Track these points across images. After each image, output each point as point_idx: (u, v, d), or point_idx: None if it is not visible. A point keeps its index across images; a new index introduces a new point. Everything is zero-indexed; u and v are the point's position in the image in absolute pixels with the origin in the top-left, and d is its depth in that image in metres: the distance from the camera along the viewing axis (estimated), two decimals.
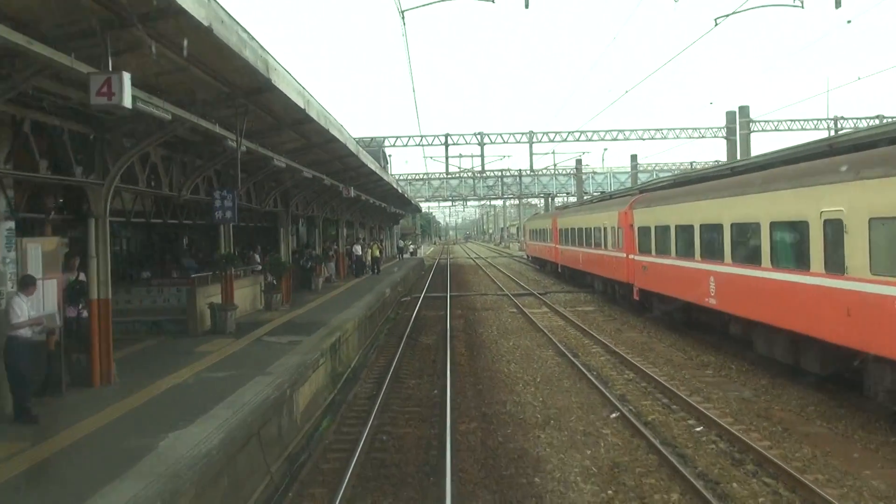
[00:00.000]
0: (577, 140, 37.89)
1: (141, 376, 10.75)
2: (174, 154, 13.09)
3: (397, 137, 37.46)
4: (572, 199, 66.06)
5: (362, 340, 18.66)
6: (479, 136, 36.46)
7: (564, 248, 35.14)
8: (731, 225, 14.52)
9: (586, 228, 29.32)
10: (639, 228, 21.45)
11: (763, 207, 13.04)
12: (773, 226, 12.70)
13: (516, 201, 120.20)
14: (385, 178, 27.18)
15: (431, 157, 39.95)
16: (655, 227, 19.78)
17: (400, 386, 14.19)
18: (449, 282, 38.87)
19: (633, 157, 53.79)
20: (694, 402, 12.00)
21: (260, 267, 21.45)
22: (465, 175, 61.01)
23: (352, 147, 17.89)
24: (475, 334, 20.81)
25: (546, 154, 41.52)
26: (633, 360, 15.94)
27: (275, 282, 20.36)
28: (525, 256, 55.06)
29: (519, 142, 37.50)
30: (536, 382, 14.01)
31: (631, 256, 22.23)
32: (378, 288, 27.47)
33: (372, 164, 23.31)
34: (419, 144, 36.93)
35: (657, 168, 57.92)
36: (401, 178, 60.74)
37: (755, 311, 13.60)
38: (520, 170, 58.27)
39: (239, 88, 9.86)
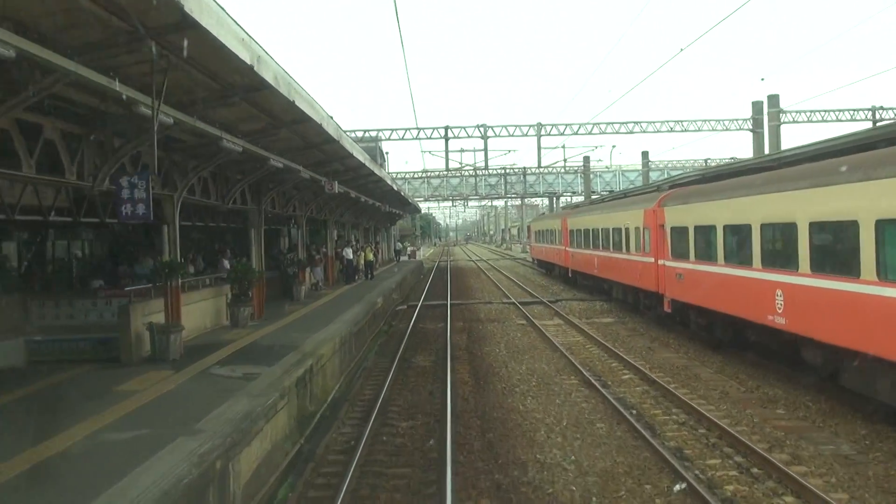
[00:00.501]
0: (590, 133, 34.75)
1: (12, 438, 7.60)
2: (88, 131, 9.94)
3: (392, 130, 34.27)
4: (578, 199, 62.96)
5: (345, 364, 15.52)
6: (481, 129, 33.25)
7: (576, 251, 31.99)
8: (811, 224, 11.37)
9: (603, 229, 26.18)
10: (672, 229, 18.30)
11: (865, 201, 9.88)
12: (882, 226, 9.54)
13: (518, 201, 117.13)
14: (377, 172, 24.10)
15: (430, 152, 36.57)
16: (695, 228, 16.63)
17: (387, 432, 11.04)
18: (449, 287, 35.75)
19: (645, 154, 50.65)
20: (780, 462, 8.85)
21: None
22: (467, 173, 57.86)
23: (332, 131, 14.75)
24: (480, 354, 17.66)
25: (555, 148, 38.08)
26: (678, 392, 12.80)
27: (249, 292, 17.21)
28: (531, 260, 51.93)
29: (526, 135, 34.32)
30: (563, 428, 10.85)
31: (661, 262, 19.07)
32: (369, 296, 24.32)
33: (361, 155, 20.16)
34: (416, 138, 33.71)
35: (669, 166, 54.76)
36: (398, 176, 57.61)
37: (849, 336, 10.44)
38: (524, 167, 55.17)
39: (144, 24, 6.70)
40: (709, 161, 53.82)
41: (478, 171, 57.43)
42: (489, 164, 33.27)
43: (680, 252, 17.66)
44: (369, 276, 32.32)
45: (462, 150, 34.64)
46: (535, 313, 25.66)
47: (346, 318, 18.34)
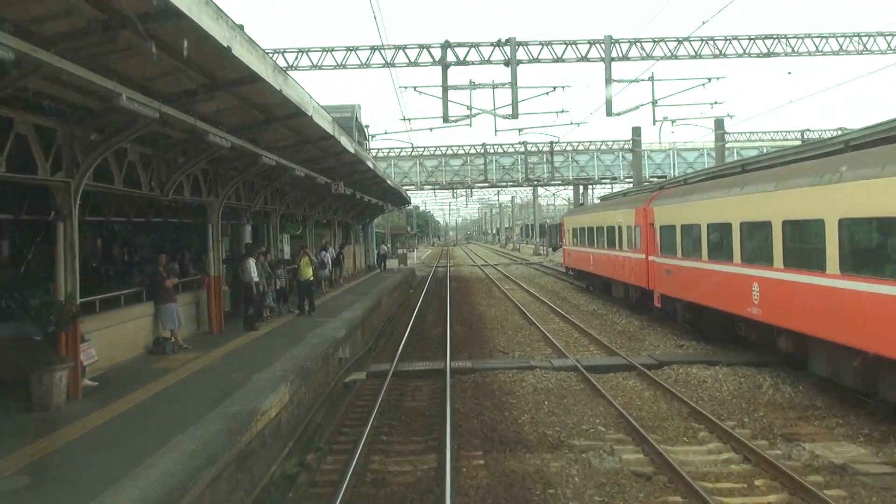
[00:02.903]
0: (696, 55, 20.41)
1: None
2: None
3: (349, 49, 19.70)
4: (611, 187, 48.67)
5: None
6: (506, 49, 18.99)
7: (676, 263, 17.71)
8: None
9: (791, 222, 11.92)
10: None
11: None
12: None
13: (522, 197, 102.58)
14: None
15: (415, 88, 21.63)
16: None
17: None
18: (449, 322, 21.46)
19: (719, 123, 36.17)
20: None
21: None
22: (473, 152, 43.57)
23: None
24: None
25: (635, 82, 23.57)
26: None
27: None
28: (565, 269, 37.50)
29: (584, 57, 20.03)
30: None
31: None
32: (251, 390, 10.07)
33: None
34: (389, 63, 19.08)
35: (751, 142, 40.26)
36: (379, 154, 43.39)
37: None
38: (551, 142, 40.82)
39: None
40: (806, 133, 39.60)
41: (488, 149, 43.15)
42: (519, 109, 19.16)
43: None
44: (307, 307, 18.01)
45: (472, 86, 20.42)
46: (643, 410, 11.49)
47: None
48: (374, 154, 41.90)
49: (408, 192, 47.06)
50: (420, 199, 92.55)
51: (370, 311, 20.60)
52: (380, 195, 33.56)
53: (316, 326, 16.06)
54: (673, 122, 26.23)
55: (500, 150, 42.57)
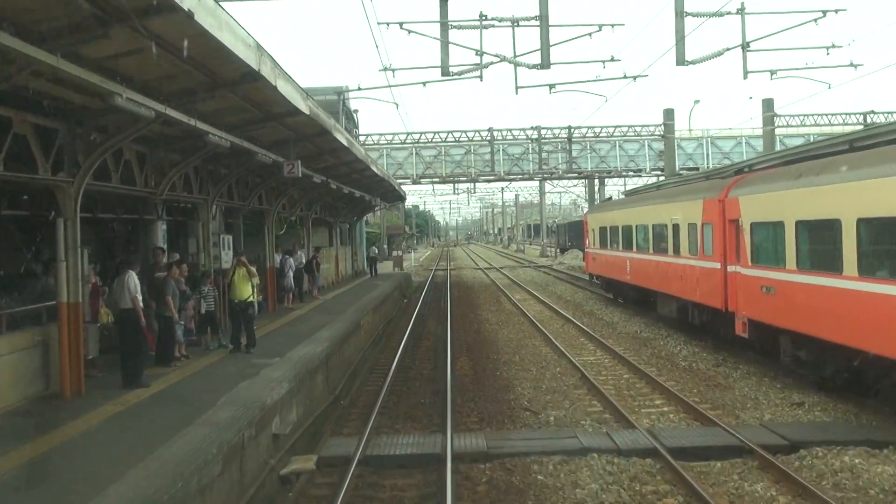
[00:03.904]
0: None
1: None
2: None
3: None
4: (628, 184, 43.13)
5: None
6: None
7: (790, 278, 12.06)
8: None
9: None
10: None
11: None
12: None
13: (525, 196, 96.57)
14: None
15: (402, 26, 15.31)
16: None
17: None
18: (450, 354, 15.78)
19: (768, 103, 30.53)
20: None
21: None
22: (477, 139, 37.87)
23: None
24: None
25: (715, 16, 17.64)
26: None
27: None
28: (588, 277, 31.70)
29: None
30: None
31: None
32: None
33: None
34: None
35: (805, 127, 34.45)
36: (368, 141, 37.82)
37: None
38: (569, 127, 35.22)
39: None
40: (870, 115, 33.92)
41: (495, 135, 37.49)
42: (550, 53, 13.73)
43: None
44: (241, 341, 12.37)
45: (483, 22, 15.06)
46: None
47: None
48: (362, 142, 36.31)
49: (403, 187, 41.49)
50: (418, 197, 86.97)
51: (342, 341, 14.96)
52: (366, 187, 27.92)
53: (246, 377, 10.42)
54: (773, 73, 20.37)
55: (509, 138, 36.94)
